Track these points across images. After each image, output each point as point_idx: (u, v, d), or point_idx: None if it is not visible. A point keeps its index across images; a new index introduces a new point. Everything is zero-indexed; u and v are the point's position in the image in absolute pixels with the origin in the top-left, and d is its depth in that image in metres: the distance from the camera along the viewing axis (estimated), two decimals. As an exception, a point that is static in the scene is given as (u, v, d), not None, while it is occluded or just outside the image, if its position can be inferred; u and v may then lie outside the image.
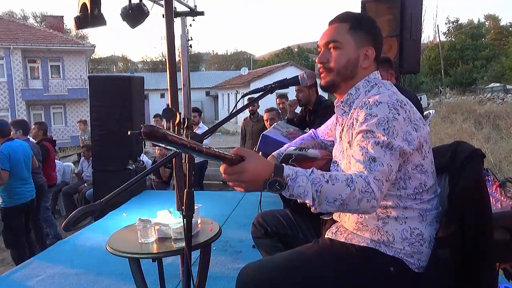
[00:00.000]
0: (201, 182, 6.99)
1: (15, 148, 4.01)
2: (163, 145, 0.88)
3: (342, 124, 1.42)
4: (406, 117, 1.21)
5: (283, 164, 1.12)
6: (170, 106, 2.60)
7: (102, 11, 3.12)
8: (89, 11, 2.99)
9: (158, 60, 46.50)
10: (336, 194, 1.08)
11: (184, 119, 1.16)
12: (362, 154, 1.16)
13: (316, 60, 1.41)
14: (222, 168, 1.08)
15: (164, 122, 9.01)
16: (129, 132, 0.94)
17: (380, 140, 1.16)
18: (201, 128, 6.51)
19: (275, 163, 1.12)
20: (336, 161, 1.44)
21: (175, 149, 0.93)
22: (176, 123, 1.11)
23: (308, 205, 1.12)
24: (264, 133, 2.69)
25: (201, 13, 4.19)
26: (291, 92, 3.87)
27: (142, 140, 0.85)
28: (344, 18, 1.37)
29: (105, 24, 3.14)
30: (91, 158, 6.98)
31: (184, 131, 1.12)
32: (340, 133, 1.42)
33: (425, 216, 1.29)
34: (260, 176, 1.08)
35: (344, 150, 1.37)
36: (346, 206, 1.10)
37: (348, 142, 1.33)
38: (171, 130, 1.14)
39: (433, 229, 1.29)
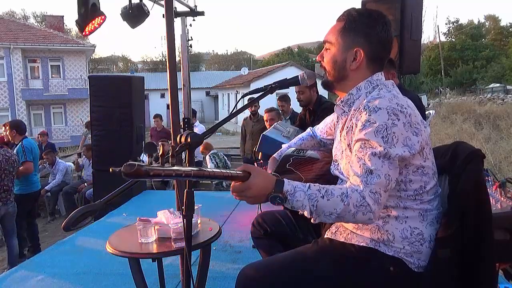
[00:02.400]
0: (196, 182, 7.00)
1: (32, 143, 4.77)
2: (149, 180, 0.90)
3: (343, 124, 1.41)
4: (406, 122, 1.20)
5: (284, 179, 1.18)
6: (169, 106, 2.59)
7: (101, 9, 3.12)
8: (89, 7, 2.97)
9: (158, 60, 46.51)
10: (331, 208, 1.14)
11: (168, 148, 1.16)
12: (360, 166, 1.18)
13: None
14: (232, 185, 1.18)
15: (164, 123, 8.98)
16: (110, 170, 0.96)
17: (377, 150, 1.17)
18: (197, 127, 6.52)
19: (277, 179, 1.19)
20: (336, 160, 1.44)
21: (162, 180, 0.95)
22: (159, 154, 1.08)
23: (308, 217, 1.18)
24: (264, 133, 2.68)
25: (201, 13, 4.18)
26: (292, 93, 3.87)
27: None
28: (343, 17, 1.36)
29: (103, 14, 3.13)
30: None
31: (170, 159, 1.10)
32: (340, 132, 1.42)
33: (425, 216, 1.29)
34: (263, 191, 1.17)
35: (344, 150, 1.37)
36: (342, 219, 1.17)
37: (348, 145, 1.33)
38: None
39: (433, 229, 1.29)
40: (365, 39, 1.32)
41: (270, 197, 1.16)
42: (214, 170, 1.09)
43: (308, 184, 1.18)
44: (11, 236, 4.35)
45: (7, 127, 4.76)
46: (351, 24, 1.33)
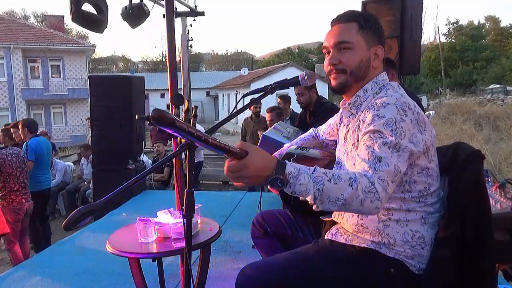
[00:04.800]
0: (196, 182, 7.07)
1: (41, 143, 4.86)
2: (170, 131, 0.88)
3: (348, 125, 1.41)
4: (414, 118, 1.20)
5: (286, 161, 1.10)
6: (169, 106, 2.60)
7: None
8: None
9: (158, 60, 46.53)
10: (338, 193, 1.06)
11: (192, 108, 1.16)
12: (368, 153, 1.15)
13: (326, 62, 1.37)
14: (226, 162, 1.08)
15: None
16: (136, 116, 0.96)
17: (388, 140, 1.15)
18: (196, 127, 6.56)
19: (278, 159, 1.10)
20: (339, 162, 1.44)
21: (181, 136, 0.93)
22: (184, 110, 1.10)
23: (310, 203, 1.11)
24: (264, 133, 2.69)
25: (202, 13, 4.19)
26: (291, 93, 3.88)
27: (151, 124, 0.85)
28: (351, 18, 1.35)
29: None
30: (90, 157, 7.08)
31: (192, 119, 1.11)
32: (345, 134, 1.42)
33: (427, 219, 1.29)
34: (262, 172, 1.06)
35: (349, 151, 1.36)
36: (348, 206, 1.08)
37: (353, 144, 1.32)
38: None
39: (434, 232, 1.29)
40: (379, 37, 1.36)
41: (270, 179, 1.06)
42: (220, 141, 1.01)
43: (314, 166, 1.10)
44: (24, 234, 4.41)
45: (19, 126, 4.96)
46: (366, 23, 1.34)
